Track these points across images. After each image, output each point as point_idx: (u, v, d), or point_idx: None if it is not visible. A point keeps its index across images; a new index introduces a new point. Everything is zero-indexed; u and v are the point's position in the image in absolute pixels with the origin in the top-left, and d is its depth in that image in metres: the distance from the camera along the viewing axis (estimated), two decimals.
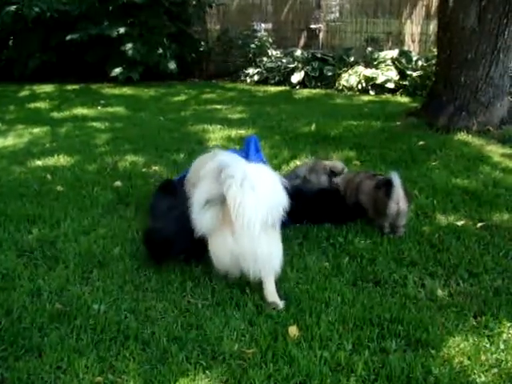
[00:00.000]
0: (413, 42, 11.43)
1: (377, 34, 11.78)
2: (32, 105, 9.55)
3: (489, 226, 4.01)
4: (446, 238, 3.82)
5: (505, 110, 6.78)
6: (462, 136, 6.44)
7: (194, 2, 12.46)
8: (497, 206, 4.36)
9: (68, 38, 11.21)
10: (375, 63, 10.52)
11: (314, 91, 10.73)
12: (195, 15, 12.76)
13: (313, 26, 12.38)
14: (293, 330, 2.76)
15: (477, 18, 6.36)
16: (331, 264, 3.48)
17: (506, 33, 6.32)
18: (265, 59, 11.88)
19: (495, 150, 5.92)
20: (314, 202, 4.09)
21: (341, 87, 10.57)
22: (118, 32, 11.14)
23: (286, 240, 3.72)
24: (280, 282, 3.23)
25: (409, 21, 11.43)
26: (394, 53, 10.53)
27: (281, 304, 3.02)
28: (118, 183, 5.00)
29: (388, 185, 3.74)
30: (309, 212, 4.02)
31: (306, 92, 10.67)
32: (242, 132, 6.92)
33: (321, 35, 12.40)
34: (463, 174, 5.12)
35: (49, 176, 5.25)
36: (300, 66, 11.20)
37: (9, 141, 6.82)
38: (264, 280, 3.07)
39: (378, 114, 7.98)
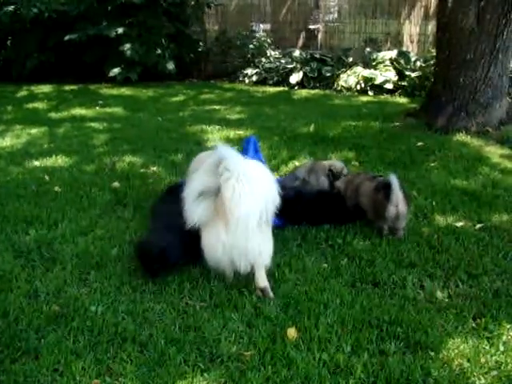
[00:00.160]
0: (411, 42, 11.44)
1: (375, 35, 11.79)
2: (30, 105, 9.53)
3: (488, 227, 4.00)
4: (445, 239, 3.81)
5: (503, 111, 6.78)
6: (461, 137, 6.43)
7: (192, 3, 12.46)
8: (496, 207, 4.35)
9: (66, 38, 11.21)
10: (374, 64, 10.53)
11: (312, 92, 10.73)
12: (194, 15, 12.76)
13: (311, 27, 12.38)
14: (291, 332, 2.74)
15: (476, 19, 6.36)
16: (330, 265, 3.47)
17: (505, 33, 6.33)
18: (263, 60, 11.88)
19: (494, 151, 5.92)
20: (312, 203, 4.08)
21: (339, 88, 10.58)
22: (116, 32, 11.13)
23: (284, 241, 3.75)
24: (278, 284, 3.23)
25: (407, 21, 11.44)
26: (393, 53, 10.54)
27: (271, 293, 3.09)
28: (116, 184, 4.98)
29: (387, 187, 3.73)
30: (308, 213, 4.01)
31: (304, 92, 10.66)
32: (241, 132, 6.90)
33: (319, 36, 12.40)
34: (462, 175, 5.11)
35: (46, 177, 5.23)
36: (298, 66, 11.20)
37: (6, 141, 6.80)
38: (255, 268, 3.12)
39: (377, 114, 7.97)
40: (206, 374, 2.47)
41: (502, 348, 2.62)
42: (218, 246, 3.04)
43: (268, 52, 12.04)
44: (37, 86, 11.50)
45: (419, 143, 6.16)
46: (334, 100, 9.80)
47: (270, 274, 3.33)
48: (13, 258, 3.57)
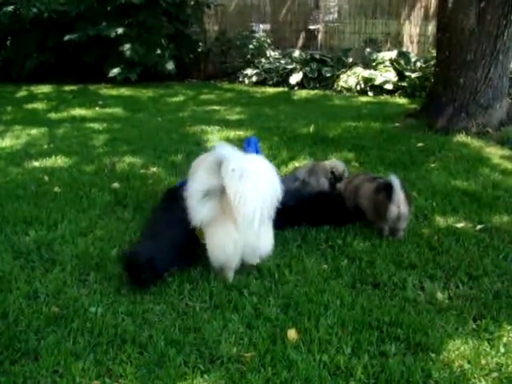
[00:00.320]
0: (411, 43, 11.44)
1: (375, 35, 11.79)
2: (29, 105, 9.52)
3: (488, 228, 4.00)
4: (446, 240, 3.80)
5: (504, 112, 6.78)
6: (461, 137, 6.43)
7: (192, 3, 12.44)
8: (496, 208, 4.34)
9: (66, 38, 11.20)
10: (374, 64, 10.52)
11: (312, 92, 10.73)
12: (193, 16, 12.75)
13: (311, 27, 12.38)
14: (291, 334, 2.74)
15: (476, 20, 6.36)
16: (330, 266, 3.46)
17: (506, 34, 6.32)
18: (263, 60, 11.87)
19: (494, 152, 5.92)
20: (313, 204, 4.07)
21: (339, 88, 10.57)
22: (116, 32, 11.12)
23: (284, 242, 3.74)
24: (278, 285, 3.23)
25: (407, 22, 11.44)
26: (393, 54, 10.54)
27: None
28: (115, 184, 4.97)
29: (388, 188, 3.72)
30: (308, 214, 4.00)
31: (304, 93, 10.66)
32: (241, 133, 6.90)
33: (319, 36, 12.40)
34: (462, 176, 5.11)
35: (46, 177, 5.22)
36: (298, 66, 11.20)
37: (6, 142, 6.79)
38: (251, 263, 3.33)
39: (377, 115, 7.97)
40: (205, 376, 2.47)
41: (502, 350, 2.62)
42: (229, 243, 3.10)
43: (268, 52, 12.03)
44: (36, 87, 11.49)
45: (419, 144, 6.16)
46: (333, 100, 9.80)
47: (271, 275, 3.34)
48: (12, 259, 3.56)
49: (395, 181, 3.70)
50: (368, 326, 2.83)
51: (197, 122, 7.75)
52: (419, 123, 7.00)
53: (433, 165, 5.46)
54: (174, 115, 8.54)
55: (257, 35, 12.39)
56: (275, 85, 11.40)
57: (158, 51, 11.61)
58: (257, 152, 4.35)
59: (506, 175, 5.15)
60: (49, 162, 5.80)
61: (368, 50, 11.19)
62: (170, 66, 11.77)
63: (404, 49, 11.16)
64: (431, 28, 10.88)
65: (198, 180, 3.15)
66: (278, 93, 10.81)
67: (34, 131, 7.36)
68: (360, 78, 10.34)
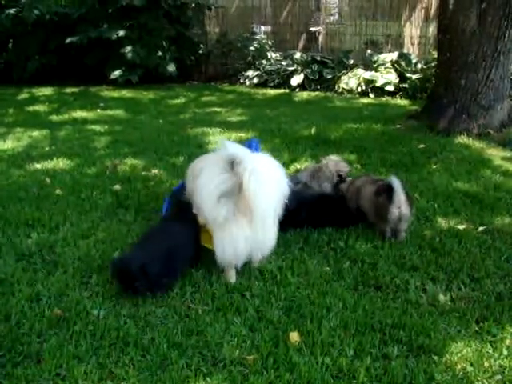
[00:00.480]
0: (412, 44, 11.44)
1: (376, 37, 11.79)
2: (31, 108, 9.53)
3: (490, 230, 3.99)
4: (448, 242, 3.80)
5: (505, 113, 6.78)
6: (463, 139, 6.43)
7: (193, 5, 12.45)
8: (498, 210, 4.34)
9: (67, 40, 11.23)
10: (375, 66, 10.52)
11: (313, 94, 10.73)
12: (194, 18, 12.76)
13: (312, 29, 12.38)
14: (294, 336, 2.73)
15: (477, 21, 6.36)
16: (332, 269, 3.46)
17: (507, 35, 6.33)
18: (264, 62, 11.87)
19: (496, 153, 5.92)
20: (315, 207, 4.07)
21: (340, 90, 10.58)
22: (117, 35, 11.14)
23: (286, 244, 3.74)
24: (281, 287, 3.22)
25: (408, 23, 11.43)
26: (394, 55, 10.54)
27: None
28: (117, 187, 4.97)
29: (389, 190, 3.72)
30: (310, 216, 4.00)
31: (305, 95, 10.66)
32: (242, 135, 6.90)
33: (320, 38, 12.41)
34: (464, 178, 5.10)
35: (48, 179, 5.22)
36: (299, 68, 11.20)
37: (8, 144, 6.79)
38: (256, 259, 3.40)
39: (378, 116, 7.97)
40: (208, 378, 2.46)
41: (505, 352, 2.62)
42: (241, 240, 3.14)
43: (269, 54, 12.03)
44: (38, 89, 11.51)
45: (421, 145, 6.16)
46: (335, 102, 9.80)
47: (273, 278, 3.34)
48: (14, 262, 3.56)
49: (396, 182, 3.70)
50: (370, 328, 2.82)
51: (198, 124, 7.75)
52: (420, 125, 7.00)
53: (434, 166, 5.46)
54: (175, 117, 8.55)
55: (258, 37, 12.39)
56: (276, 86, 11.40)
57: (159, 53, 11.62)
58: None
59: (507, 177, 5.15)
60: (50, 164, 5.81)
61: (369, 51, 11.18)
62: (171, 68, 11.78)
63: (405, 50, 11.16)
64: (432, 29, 10.88)
65: (211, 180, 3.14)
66: (279, 94, 10.82)
67: (35, 133, 7.37)
68: (361, 79, 10.35)
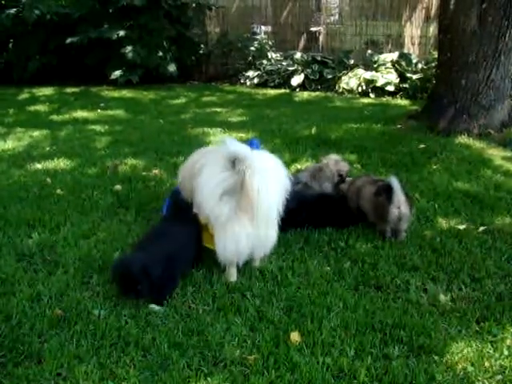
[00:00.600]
0: (412, 44, 11.44)
1: (377, 37, 11.79)
2: (32, 108, 9.54)
3: (490, 230, 3.99)
4: (448, 242, 3.80)
5: (506, 113, 6.77)
6: (463, 139, 6.43)
7: (193, 5, 12.46)
8: (498, 210, 4.34)
9: (68, 40, 11.23)
10: (375, 66, 10.53)
11: (313, 94, 10.73)
12: (195, 18, 12.76)
13: (313, 29, 12.38)
14: (294, 336, 2.74)
15: (478, 21, 6.36)
16: (333, 269, 3.46)
17: (507, 35, 6.32)
18: (264, 62, 11.87)
19: (496, 154, 5.92)
20: (315, 207, 4.07)
21: (341, 90, 10.58)
22: (117, 35, 11.14)
23: (286, 244, 3.75)
24: (281, 287, 3.23)
25: (408, 23, 11.44)
26: (394, 55, 10.54)
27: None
28: (118, 187, 4.98)
29: (388, 190, 3.73)
30: (310, 216, 4.00)
31: (305, 95, 10.67)
32: (243, 135, 6.89)
33: (321, 38, 12.41)
34: (464, 178, 5.10)
35: (48, 179, 5.23)
36: (300, 68, 11.21)
37: (8, 144, 6.80)
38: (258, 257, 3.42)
39: (379, 116, 7.97)
40: (209, 378, 2.47)
41: (506, 352, 2.62)
42: (243, 238, 3.15)
43: (269, 54, 12.03)
44: (38, 89, 11.51)
45: (421, 145, 6.16)
46: (335, 102, 9.80)
47: (273, 278, 3.34)
48: (15, 262, 3.57)
49: (395, 182, 3.71)
50: (371, 328, 2.82)
51: (198, 124, 7.76)
52: (421, 125, 7.00)
53: (435, 166, 5.46)
54: (175, 117, 8.55)
55: (258, 37, 12.40)
56: (277, 86, 11.41)
57: (160, 53, 11.62)
58: None
59: (508, 177, 5.15)
60: (51, 164, 5.81)
61: (369, 51, 11.19)
62: (172, 68, 11.78)
63: (405, 50, 11.16)
64: (432, 29, 10.88)
65: (212, 179, 3.15)
66: (280, 94, 10.82)
67: (36, 133, 7.37)
68: (361, 79, 10.35)
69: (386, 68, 10.35)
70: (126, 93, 11.10)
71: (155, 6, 11.45)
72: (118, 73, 11.49)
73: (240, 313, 2.98)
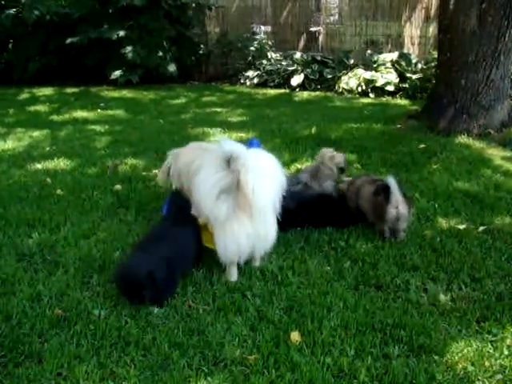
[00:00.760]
0: (412, 44, 11.44)
1: (376, 37, 11.79)
2: (32, 108, 9.54)
3: (490, 229, 3.99)
4: (448, 242, 3.80)
5: (505, 113, 6.77)
6: (463, 139, 6.43)
7: (193, 5, 12.45)
8: (498, 210, 4.34)
9: (68, 41, 11.23)
10: (375, 66, 10.52)
11: (313, 94, 10.73)
12: (195, 18, 12.76)
13: (312, 29, 12.38)
14: (295, 336, 2.74)
15: (477, 21, 6.36)
16: (333, 268, 3.47)
17: (507, 35, 6.32)
18: (264, 62, 11.87)
19: (496, 153, 5.92)
20: (314, 207, 4.07)
21: (340, 90, 10.57)
22: (117, 35, 11.14)
23: (287, 244, 3.75)
24: (281, 287, 3.23)
25: (408, 23, 11.44)
26: (394, 55, 10.54)
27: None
28: (118, 187, 4.98)
29: (386, 190, 3.73)
30: (310, 217, 4.00)
31: (305, 95, 10.67)
32: (243, 135, 6.90)
33: (320, 38, 12.41)
34: (464, 177, 5.11)
35: (49, 179, 5.23)
36: (300, 68, 11.20)
37: (8, 144, 6.80)
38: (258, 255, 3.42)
39: (379, 116, 7.97)
40: (209, 378, 2.47)
41: (506, 352, 2.62)
42: (243, 235, 3.16)
43: (269, 54, 12.03)
44: (38, 89, 11.51)
45: (421, 145, 6.16)
46: (335, 102, 9.80)
47: (274, 278, 3.34)
48: (15, 262, 3.57)
49: (392, 182, 3.72)
50: (371, 328, 2.83)
51: (198, 124, 7.76)
52: (421, 125, 7.01)
53: (434, 166, 5.46)
54: (175, 117, 8.55)
55: (258, 37, 12.40)
56: (276, 86, 11.40)
57: (160, 53, 11.62)
58: None
59: (507, 176, 5.15)
60: (51, 164, 5.81)
61: (369, 51, 11.19)
62: (172, 68, 11.78)
63: (405, 50, 11.16)
64: (432, 29, 10.89)
65: (208, 179, 3.16)
66: (280, 94, 10.82)
67: (36, 133, 7.37)
68: (361, 79, 10.35)
69: (385, 68, 10.35)
70: (126, 93, 11.10)
71: (155, 6, 11.45)
72: (118, 73, 11.49)
73: (240, 312, 2.98)
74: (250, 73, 11.94)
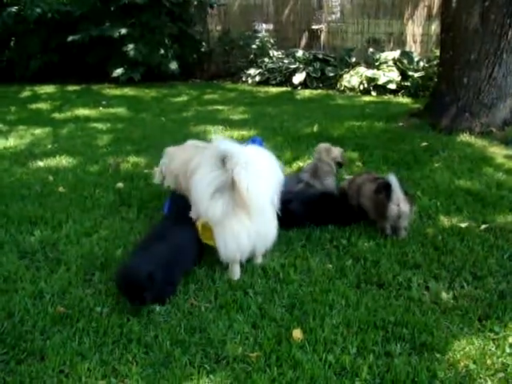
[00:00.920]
0: (414, 42, 11.43)
1: (378, 35, 11.78)
2: (33, 106, 9.55)
3: (492, 227, 3.99)
4: (450, 240, 3.80)
5: (508, 111, 6.75)
6: (465, 137, 6.42)
7: (195, 3, 12.45)
8: (500, 208, 4.33)
9: (69, 39, 11.24)
10: (377, 64, 10.51)
11: (315, 92, 10.73)
12: (197, 16, 12.77)
13: (314, 27, 12.37)
14: (297, 334, 2.74)
15: (480, 19, 6.35)
16: (335, 266, 3.46)
17: (510, 33, 6.30)
18: (266, 60, 11.87)
19: (498, 152, 5.90)
20: (316, 204, 4.07)
21: (342, 88, 10.57)
22: (119, 33, 11.15)
23: (288, 242, 3.75)
24: (283, 285, 3.23)
25: (410, 21, 11.43)
26: (396, 53, 10.53)
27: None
28: (120, 184, 4.98)
29: (387, 188, 3.73)
30: (312, 215, 4.00)
31: (307, 93, 10.66)
32: (244, 133, 6.90)
33: (322, 36, 12.40)
34: (466, 176, 5.10)
35: (50, 177, 5.24)
36: (301, 66, 11.20)
37: (10, 142, 6.81)
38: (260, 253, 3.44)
39: (380, 114, 7.97)
40: (211, 376, 2.47)
41: (508, 350, 2.62)
42: (243, 233, 3.17)
43: (271, 52, 12.03)
44: (40, 87, 11.52)
45: (423, 143, 6.15)
46: (337, 100, 9.80)
47: (275, 275, 3.34)
48: (17, 259, 3.58)
49: (393, 180, 3.71)
50: (373, 325, 2.82)
51: (200, 122, 7.76)
52: (423, 123, 7.00)
53: (436, 164, 5.45)
54: (177, 115, 8.55)
55: (260, 35, 12.39)
56: (278, 84, 11.40)
57: (162, 51, 11.62)
58: None
59: (509, 175, 5.14)
60: (53, 161, 5.82)
61: (371, 49, 11.17)
62: (174, 65, 11.79)
63: (407, 48, 11.15)
64: (434, 27, 10.87)
65: (204, 177, 3.17)
66: (281, 92, 10.81)
67: (38, 131, 7.38)
68: (363, 77, 10.34)
69: (387, 66, 10.34)
70: (128, 91, 11.10)
71: (157, 4, 11.45)
72: (119, 71, 11.50)
73: (242, 310, 2.98)
74: (252, 71, 11.94)
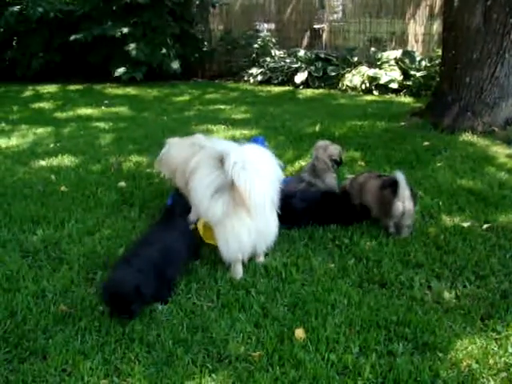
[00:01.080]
0: (416, 42, 11.42)
1: (380, 34, 11.77)
2: (36, 105, 9.56)
3: (494, 227, 3.98)
4: (452, 239, 3.79)
5: (510, 111, 6.74)
6: (467, 136, 6.41)
7: (197, 2, 12.46)
8: (503, 207, 4.33)
9: (71, 38, 11.26)
10: (379, 63, 10.51)
11: (317, 91, 10.72)
12: (198, 15, 12.77)
13: (316, 26, 12.37)
14: (299, 333, 2.74)
15: (482, 18, 6.34)
16: (337, 266, 3.46)
17: None
18: (268, 59, 11.88)
19: (500, 151, 5.90)
20: (319, 204, 4.07)
21: (344, 87, 10.57)
22: (121, 32, 11.16)
23: (291, 241, 3.75)
24: (286, 284, 3.23)
25: (412, 21, 11.41)
26: (398, 53, 10.53)
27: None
28: (122, 184, 4.99)
29: (394, 184, 3.73)
30: (314, 213, 4.00)
31: (309, 92, 10.66)
32: (246, 132, 6.90)
33: (324, 35, 12.39)
34: (468, 175, 5.09)
35: (53, 176, 5.24)
36: (303, 66, 11.20)
37: (12, 141, 6.82)
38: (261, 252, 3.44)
39: (382, 114, 7.96)
40: (213, 375, 2.47)
41: (510, 349, 2.61)
42: (244, 232, 3.18)
43: (273, 52, 12.04)
44: (42, 86, 11.53)
45: (425, 143, 6.15)
46: (339, 99, 9.79)
47: (278, 275, 3.34)
48: (20, 258, 3.58)
49: (401, 177, 3.71)
50: (375, 325, 2.82)
51: (202, 122, 7.76)
52: (425, 122, 6.99)
53: (439, 164, 5.45)
54: (179, 114, 8.55)
55: (262, 34, 12.39)
56: (280, 84, 11.41)
57: (164, 51, 11.63)
58: None
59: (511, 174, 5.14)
60: (55, 161, 5.82)
61: (373, 49, 11.19)
62: (176, 65, 11.79)
63: (409, 48, 11.15)
64: (436, 27, 10.86)
65: (203, 179, 3.19)
66: (283, 92, 10.81)
67: (40, 130, 7.39)
68: (365, 77, 10.33)
69: (389, 65, 10.34)
70: (130, 90, 11.11)
71: (159, 4, 11.46)
72: (121, 70, 11.51)
73: (244, 309, 2.98)
74: (254, 70, 11.94)
